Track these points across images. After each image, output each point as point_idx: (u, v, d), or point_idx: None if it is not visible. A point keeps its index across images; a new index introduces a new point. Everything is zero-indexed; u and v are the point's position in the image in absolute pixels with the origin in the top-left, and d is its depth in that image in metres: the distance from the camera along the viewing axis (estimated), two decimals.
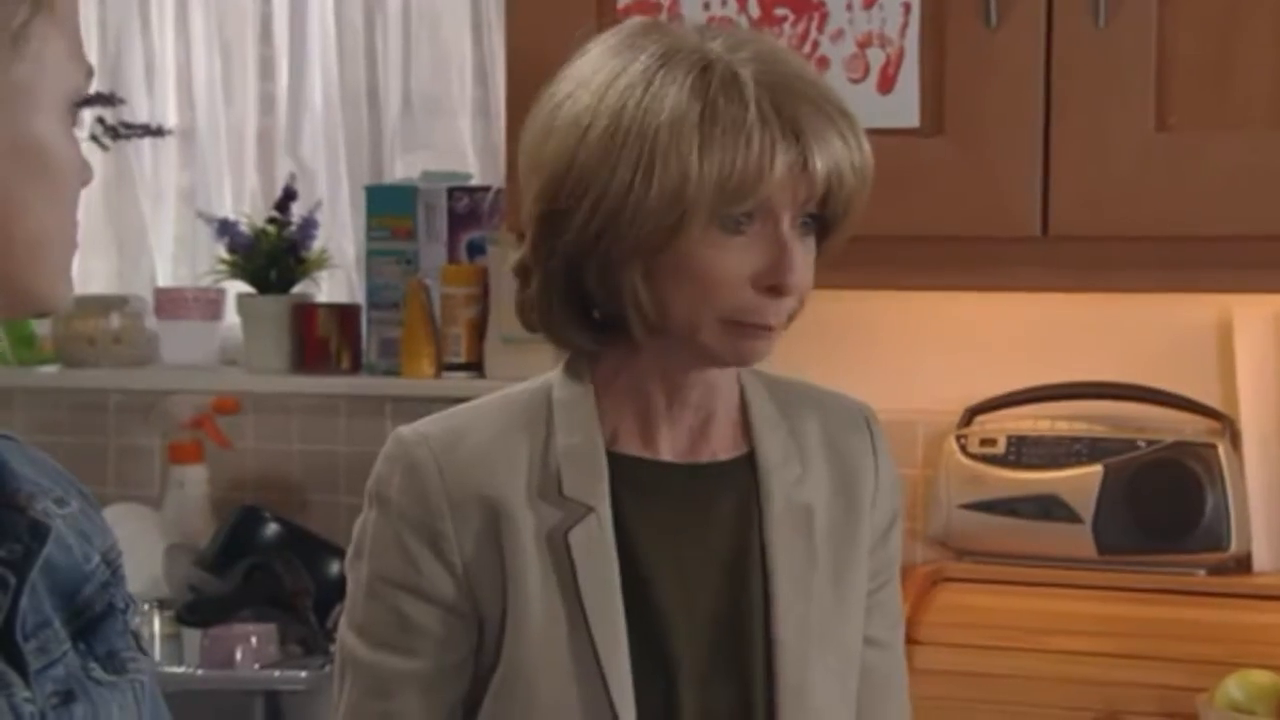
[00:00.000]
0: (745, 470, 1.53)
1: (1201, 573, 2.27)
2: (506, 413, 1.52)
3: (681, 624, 1.48)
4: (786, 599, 1.50)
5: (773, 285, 1.44)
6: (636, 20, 1.51)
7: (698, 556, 1.50)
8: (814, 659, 1.50)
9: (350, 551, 1.53)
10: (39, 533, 1.04)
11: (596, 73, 1.45)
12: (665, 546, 1.49)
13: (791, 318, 1.47)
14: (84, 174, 1.03)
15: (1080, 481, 2.31)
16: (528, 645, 1.46)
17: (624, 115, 1.42)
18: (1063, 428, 2.36)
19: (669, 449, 1.51)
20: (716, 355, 1.47)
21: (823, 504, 1.54)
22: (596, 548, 1.47)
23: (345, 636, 1.52)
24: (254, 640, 2.52)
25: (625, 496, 1.49)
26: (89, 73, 1.05)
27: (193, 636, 2.61)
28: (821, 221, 1.46)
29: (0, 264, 0.98)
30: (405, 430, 1.51)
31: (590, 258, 1.45)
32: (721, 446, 1.53)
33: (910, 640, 2.25)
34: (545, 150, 1.46)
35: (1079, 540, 2.30)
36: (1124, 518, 2.29)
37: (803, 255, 1.45)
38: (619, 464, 1.50)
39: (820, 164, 1.42)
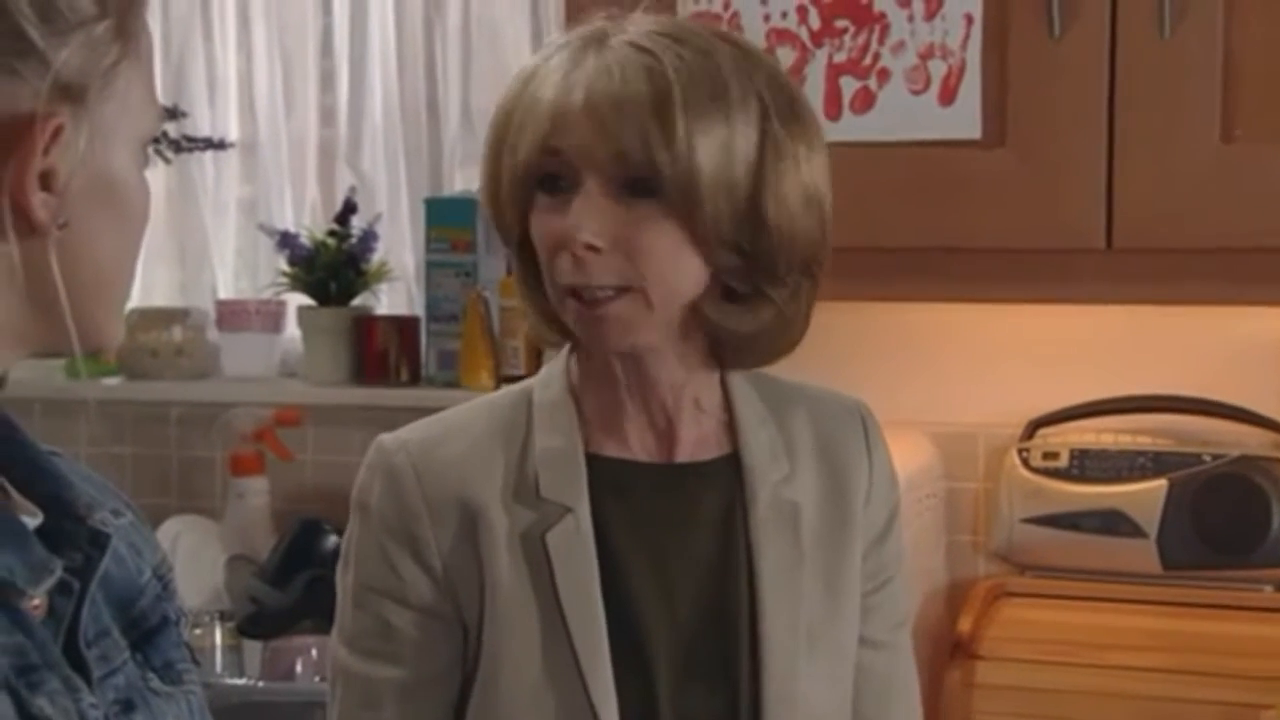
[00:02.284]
0: (729, 470, 1.52)
1: (1268, 589, 2.25)
2: (486, 418, 1.52)
3: (660, 626, 1.47)
4: (773, 600, 1.49)
5: (563, 237, 1.43)
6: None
7: (679, 558, 1.49)
8: (803, 661, 1.49)
9: (340, 564, 1.53)
10: (99, 541, 1.05)
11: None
12: (644, 548, 1.48)
13: (630, 294, 1.42)
14: (148, 216, 1.05)
15: (1144, 496, 2.29)
16: (506, 647, 1.45)
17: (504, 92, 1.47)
18: (1126, 441, 2.34)
19: (640, 447, 1.51)
20: (574, 333, 1.47)
21: (811, 504, 1.52)
22: (574, 549, 1.46)
23: (335, 648, 1.52)
24: (314, 652, 2.53)
25: (604, 498, 1.48)
26: (161, 116, 1.06)
27: (253, 648, 2.62)
28: (660, 193, 1.40)
29: (70, 297, 0.98)
30: (386, 437, 1.52)
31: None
32: (702, 447, 1.52)
33: (972, 655, 2.24)
34: None
35: (1143, 555, 2.28)
36: (1189, 532, 2.27)
37: (593, 210, 1.40)
38: (597, 465, 1.49)
39: (590, 120, 1.39)
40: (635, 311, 1.43)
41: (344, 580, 1.52)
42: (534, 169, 1.43)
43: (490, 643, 1.46)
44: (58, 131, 0.96)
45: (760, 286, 1.46)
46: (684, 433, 1.51)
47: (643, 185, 1.40)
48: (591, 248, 1.40)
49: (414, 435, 1.51)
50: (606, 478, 1.49)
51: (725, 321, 1.47)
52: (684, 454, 1.51)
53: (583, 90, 1.39)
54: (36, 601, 1.00)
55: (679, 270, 1.43)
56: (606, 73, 1.40)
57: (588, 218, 1.40)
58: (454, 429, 1.52)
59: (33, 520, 1.03)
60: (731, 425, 1.53)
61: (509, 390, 1.56)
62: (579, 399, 1.51)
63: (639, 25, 1.44)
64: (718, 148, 1.39)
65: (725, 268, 1.44)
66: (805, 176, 1.44)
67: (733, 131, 1.40)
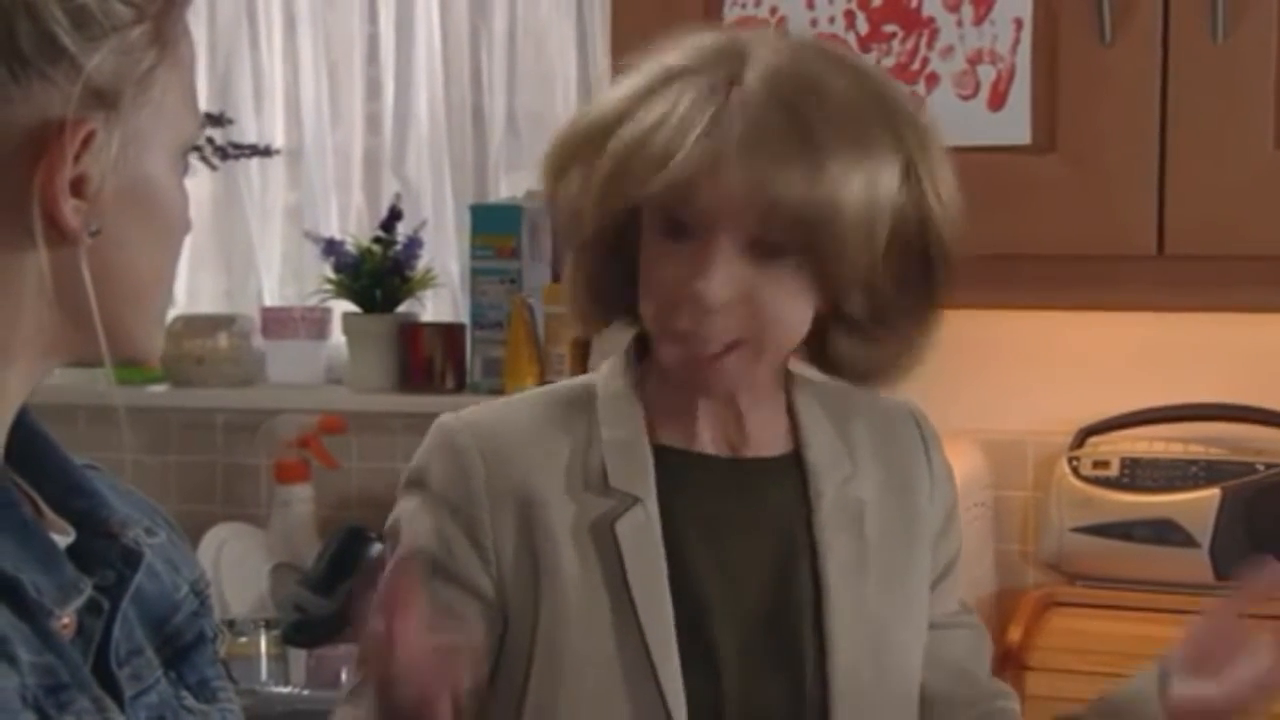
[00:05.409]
0: (792, 468, 1.53)
1: None
2: (550, 406, 1.52)
3: (725, 619, 1.47)
4: (839, 598, 1.49)
5: (686, 291, 1.41)
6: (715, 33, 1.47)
7: (744, 550, 1.49)
8: (869, 657, 1.50)
9: (386, 541, 1.54)
10: (131, 560, 1.05)
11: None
12: (710, 539, 1.49)
13: (742, 347, 1.43)
14: (187, 225, 1.04)
15: (1197, 505, 2.26)
16: (570, 634, 1.45)
17: (618, 86, 1.44)
18: (1178, 450, 2.32)
19: (707, 441, 1.51)
20: (667, 369, 1.46)
21: (875, 503, 1.53)
22: (644, 538, 1.46)
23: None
24: None
25: (670, 488, 1.49)
26: (201, 123, 1.06)
27: (298, 656, 2.62)
28: (797, 249, 1.39)
29: (102, 306, 0.98)
30: (448, 417, 1.52)
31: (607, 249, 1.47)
32: (767, 443, 1.53)
33: (1021, 666, 2.22)
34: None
35: (1196, 565, 2.26)
36: (1242, 542, 2.24)
37: (726, 269, 1.39)
38: (663, 456, 1.50)
39: (740, 181, 1.36)
40: (743, 364, 1.44)
41: (389, 549, 1.52)
42: (660, 209, 1.40)
43: (549, 633, 1.46)
44: (89, 137, 0.95)
45: (888, 320, 1.46)
46: (752, 430, 1.52)
47: (778, 246, 1.39)
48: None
49: (478, 417, 1.51)
50: (673, 470, 1.49)
51: (846, 355, 1.48)
52: (750, 450, 1.52)
53: (733, 147, 1.36)
54: (65, 620, 1.00)
55: (796, 321, 1.44)
56: (755, 128, 1.36)
57: (722, 278, 1.39)
58: (518, 415, 1.52)
59: (64, 538, 1.03)
60: (794, 425, 1.54)
61: (570, 383, 1.57)
62: (644, 391, 1.51)
63: (768, 57, 1.40)
64: (861, 203, 1.38)
65: (850, 308, 1.44)
66: (939, 202, 1.44)
67: (877, 179, 1.39)
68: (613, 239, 1.46)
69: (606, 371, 1.54)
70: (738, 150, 1.36)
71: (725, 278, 1.39)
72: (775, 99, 1.37)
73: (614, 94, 1.44)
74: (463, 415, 1.52)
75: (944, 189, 1.45)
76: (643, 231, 1.44)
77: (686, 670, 1.45)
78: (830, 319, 1.46)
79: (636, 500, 1.47)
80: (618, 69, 1.50)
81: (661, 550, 1.46)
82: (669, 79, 1.41)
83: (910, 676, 1.55)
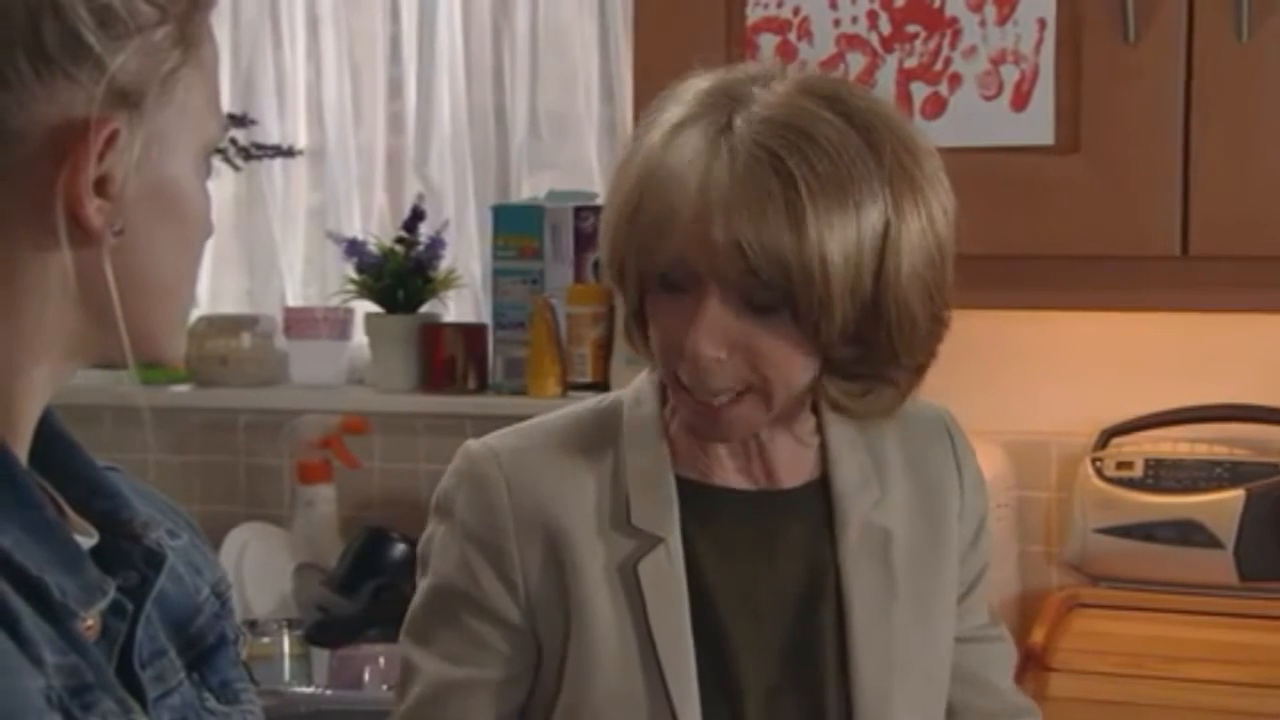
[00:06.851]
0: (818, 496, 1.51)
1: None
2: (577, 433, 1.51)
3: (749, 651, 1.47)
4: (864, 631, 1.48)
5: (683, 346, 1.40)
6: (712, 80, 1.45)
7: (767, 585, 1.49)
8: (895, 688, 1.49)
9: (417, 563, 1.53)
10: (155, 561, 1.05)
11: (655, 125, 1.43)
12: (733, 575, 1.48)
13: (751, 395, 1.41)
14: (209, 227, 1.04)
15: (1221, 506, 2.26)
16: (596, 676, 1.45)
17: (629, 159, 1.43)
18: (1202, 451, 2.31)
19: (731, 472, 1.50)
20: (682, 418, 1.46)
21: (903, 527, 1.52)
22: (666, 579, 1.46)
23: (407, 647, 1.52)
24: (382, 661, 2.52)
25: (694, 524, 1.48)
26: (224, 125, 1.06)
27: (321, 657, 2.62)
28: (787, 304, 1.37)
29: (125, 307, 0.98)
30: (474, 444, 1.51)
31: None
32: (793, 473, 1.51)
33: (1045, 667, 2.22)
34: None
35: (1220, 566, 2.25)
36: (1266, 543, 2.24)
37: (714, 324, 1.38)
38: (687, 489, 1.49)
39: (723, 236, 1.35)
40: (753, 410, 1.43)
41: (420, 581, 1.52)
42: (660, 273, 1.40)
43: (576, 669, 1.46)
44: (113, 137, 0.95)
45: (880, 371, 1.44)
46: (777, 460, 1.51)
47: (769, 301, 1.38)
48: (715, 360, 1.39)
49: (505, 445, 1.50)
50: (696, 504, 1.49)
51: (844, 401, 1.46)
52: (776, 480, 1.51)
53: (717, 206, 1.35)
54: (89, 622, 1.00)
55: (799, 368, 1.42)
56: (738, 185, 1.35)
57: (713, 332, 1.38)
58: (544, 443, 1.51)
59: (88, 540, 1.03)
60: (823, 450, 1.52)
61: (597, 404, 1.55)
62: (669, 419, 1.50)
63: (759, 107, 1.38)
64: (845, 259, 1.36)
65: (844, 358, 1.42)
66: (929, 239, 1.40)
67: (861, 234, 1.36)
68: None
69: (632, 396, 1.52)
70: (720, 209, 1.35)
71: (715, 334, 1.38)
72: (762, 151, 1.35)
73: (629, 171, 1.42)
74: (489, 443, 1.51)
75: (927, 242, 1.40)
76: (624, 279, 1.45)
77: (710, 705, 1.45)
78: (825, 365, 1.43)
79: (659, 540, 1.46)
80: (639, 111, 1.48)
81: (684, 589, 1.46)
82: (673, 135, 1.40)
83: (936, 702, 1.54)
